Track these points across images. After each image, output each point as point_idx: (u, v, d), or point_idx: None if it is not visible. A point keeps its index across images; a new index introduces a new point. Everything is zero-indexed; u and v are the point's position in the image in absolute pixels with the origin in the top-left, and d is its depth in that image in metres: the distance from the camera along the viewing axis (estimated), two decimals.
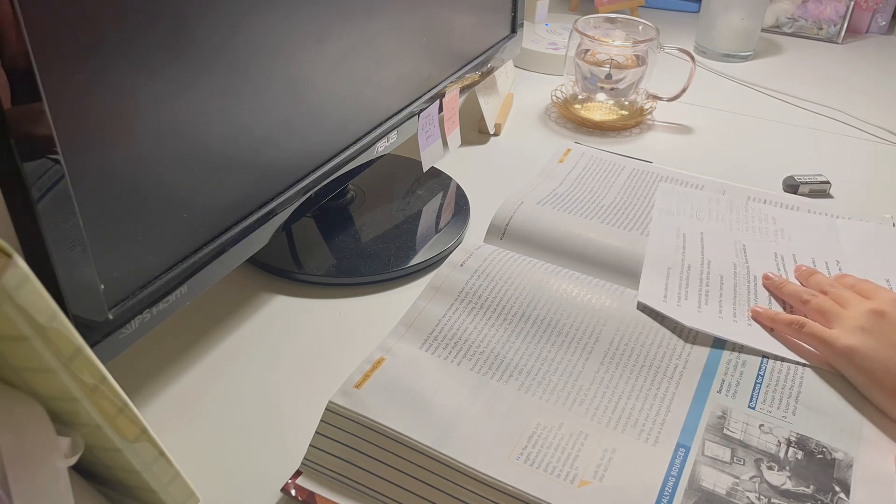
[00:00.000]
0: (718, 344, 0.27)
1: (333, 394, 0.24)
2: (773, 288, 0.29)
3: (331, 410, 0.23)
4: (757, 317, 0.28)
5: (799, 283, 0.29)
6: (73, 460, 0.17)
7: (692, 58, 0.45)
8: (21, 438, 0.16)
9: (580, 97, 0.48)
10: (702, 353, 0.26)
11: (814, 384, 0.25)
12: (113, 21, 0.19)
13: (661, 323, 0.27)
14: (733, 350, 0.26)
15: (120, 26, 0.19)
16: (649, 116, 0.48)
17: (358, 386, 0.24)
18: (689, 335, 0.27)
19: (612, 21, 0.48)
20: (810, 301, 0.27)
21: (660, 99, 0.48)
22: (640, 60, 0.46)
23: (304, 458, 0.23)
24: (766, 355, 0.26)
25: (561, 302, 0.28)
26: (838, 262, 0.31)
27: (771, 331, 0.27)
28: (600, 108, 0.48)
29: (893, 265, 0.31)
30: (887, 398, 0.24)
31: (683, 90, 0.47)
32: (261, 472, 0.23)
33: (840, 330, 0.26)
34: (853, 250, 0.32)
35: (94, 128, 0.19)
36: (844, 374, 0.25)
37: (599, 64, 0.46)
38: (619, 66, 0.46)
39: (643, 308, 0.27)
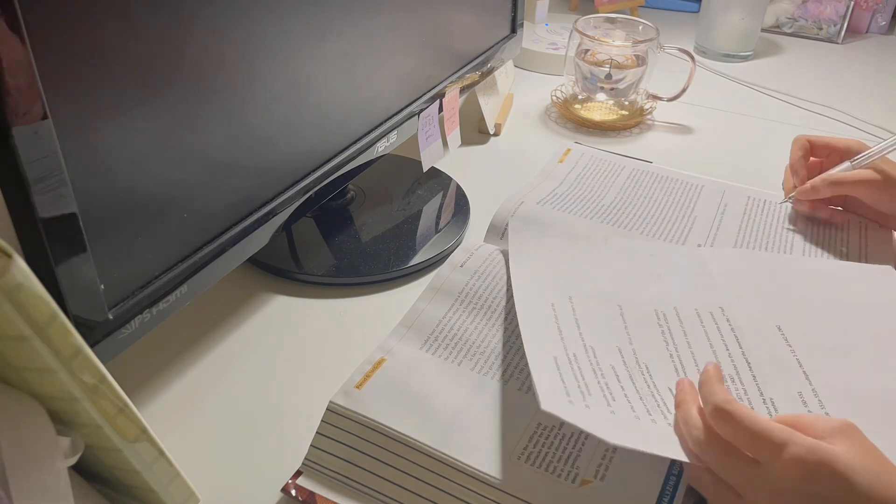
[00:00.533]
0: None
1: (334, 394, 0.24)
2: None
3: (331, 411, 0.23)
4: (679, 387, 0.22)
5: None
6: (73, 460, 0.17)
7: (692, 58, 0.45)
8: (21, 438, 0.16)
9: (580, 97, 0.48)
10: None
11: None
12: (113, 22, 0.19)
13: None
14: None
15: (120, 28, 0.19)
16: (649, 116, 0.48)
17: (359, 386, 0.24)
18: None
19: (612, 21, 0.48)
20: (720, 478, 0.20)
21: (660, 99, 0.48)
22: (640, 60, 0.46)
23: (305, 458, 0.23)
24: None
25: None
26: (722, 309, 0.26)
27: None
28: (600, 108, 0.48)
29: (775, 301, 0.26)
30: None
31: (683, 90, 0.47)
32: (261, 472, 0.23)
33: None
34: (730, 289, 0.27)
35: (94, 128, 0.19)
36: None
37: (599, 64, 0.46)
38: (620, 66, 0.46)
39: (552, 416, 0.21)
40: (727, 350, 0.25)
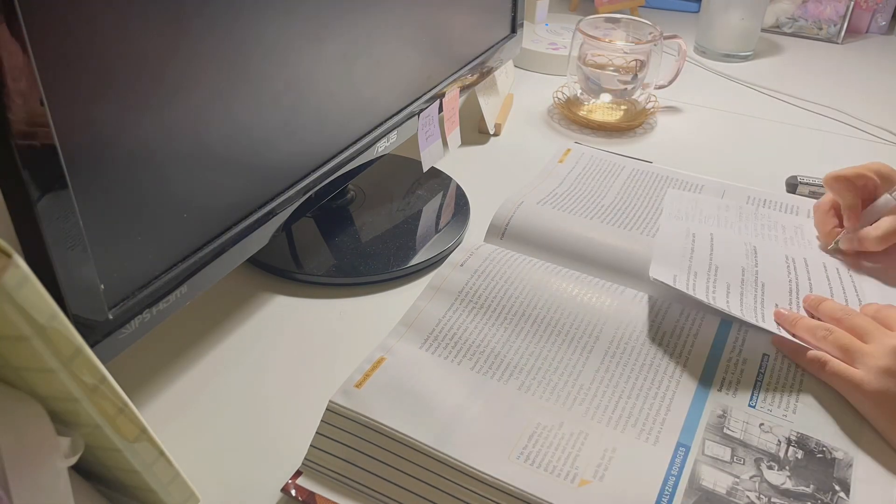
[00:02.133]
0: (719, 343, 0.27)
1: (334, 393, 0.24)
2: (787, 325, 0.27)
3: (331, 410, 0.23)
4: (779, 318, 0.27)
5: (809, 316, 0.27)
6: (73, 460, 0.17)
7: (681, 42, 0.46)
8: (21, 438, 0.16)
9: (581, 98, 0.48)
10: (702, 351, 0.26)
11: (815, 382, 0.25)
12: (113, 21, 0.19)
13: (661, 322, 0.27)
14: (733, 350, 0.26)
15: (120, 26, 0.19)
16: (652, 117, 0.48)
17: (358, 385, 0.24)
18: (690, 334, 0.27)
19: (613, 21, 0.48)
20: (827, 337, 0.25)
21: (659, 87, 0.48)
22: (641, 63, 0.46)
23: (305, 458, 0.23)
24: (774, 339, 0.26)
25: (561, 301, 0.28)
26: (848, 267, 0.30)
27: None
28: (602, 109, 0.48)
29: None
30: None
31: (676, 75, 0.47)
32: (261, 472, 0.23)
33: (864, 371, 0.24)
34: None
35: (93, 128, 0.19)
36: (867, 416, 0.23)
37: (602, 66, 0.46)
38: (622, 68, 0.46)
39: (656, 282, 0.27)
40: (843, 291, 0.28)
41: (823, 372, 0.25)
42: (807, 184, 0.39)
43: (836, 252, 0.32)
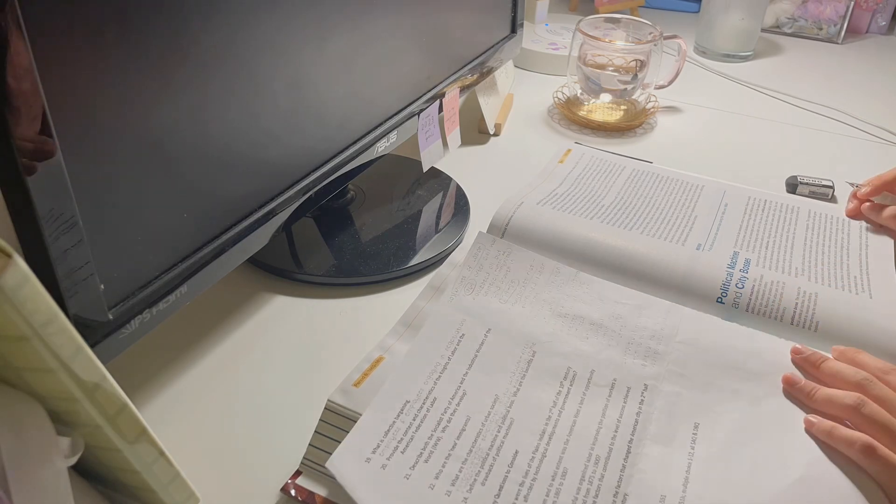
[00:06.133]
0: None
1: (332, 392, 0.24)
2: (807, 365, 0.23)
3: (330, 409, 0.23)
4: (811, 428, 0.22)
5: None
6: (73, 460, 0.17)
7: (682, 42, 0.46)
8: (21, 438, 0.16)
9: (581, 98, 0.48)
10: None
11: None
12: (114, 20, 0.19)
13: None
14: None
15: (121, 25, 0.19)
16: (652, 117, 0.48)
17: (357, 384, 0.24)
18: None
19: (613, 21, 0.48)
20: (861, 407, 0.21)
21: (659, 86, 0.48)
22: (641, 63, 0.46)
23: (304, 458, 0.23)
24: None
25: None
26: (645, 386, 0.23)
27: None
28: (602, 109, 0.47)
29: (708, 393, 0.23)
30: None
31: (676, 74, 0.47)
32: (260, 471, 0.23)
33: None
34: (675, 364, 0.24)
35: (94, 127, 0.19)
36: None
37: (602, 66, 0.46)
38: (622, 68, 0.46)
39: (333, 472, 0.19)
40: (615, 432, 0.22)
41: (870, 458, 0.20)
42: (807, 184, 0.39)
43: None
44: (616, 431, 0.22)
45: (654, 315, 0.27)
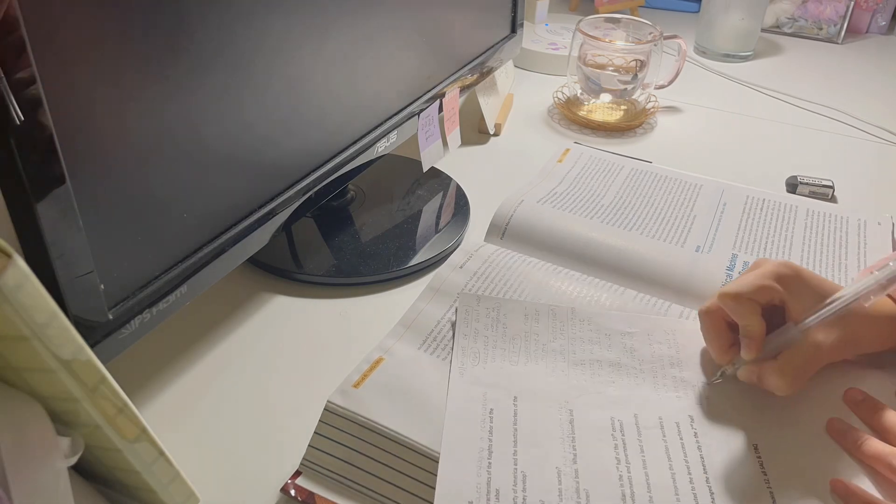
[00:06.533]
0: None
1: (331, 393, 0.24)
2: (846, 444, 0.21)
3: (329, 410, 0.23)
4: (842, 492, 0.20)
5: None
6: (73, 460, 0.17)
7: (682, 42, 0.46)
8: (21, 438, 0.16)
9: (581, 98, 0.48)
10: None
11: None
12: (113, 21, 0.19)
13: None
14: None
15: (120, 26, 0.19)
16: (652, 117, 0.48)
17: (356, 385, 0.24)
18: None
19: (613, 21, 0.48)
20: None
21: (659, 87, 0.48)
22: (641, 64, 0.46)
23: (303, 459, 0.23)
24: None
25: (560, 303, 0.28)
26: (692, 418, 0.23)
27: None
28: (602, 109, 0.47)
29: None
30: None
31: (676, 74, 0.47)
32: (260, 472, 0.23)
33: None
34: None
35: (94, 127, 0.19)
36: None
37: (602, 67, 0.46)
38: (622, 68, 0.46)
39: None
40: (689, 473, 0.21)
41: None
42: (807, 184, 0.39)
43: (720, 382, 0.24)
44: (690, 473, 0.21)
45: (663, 338, 0.26)
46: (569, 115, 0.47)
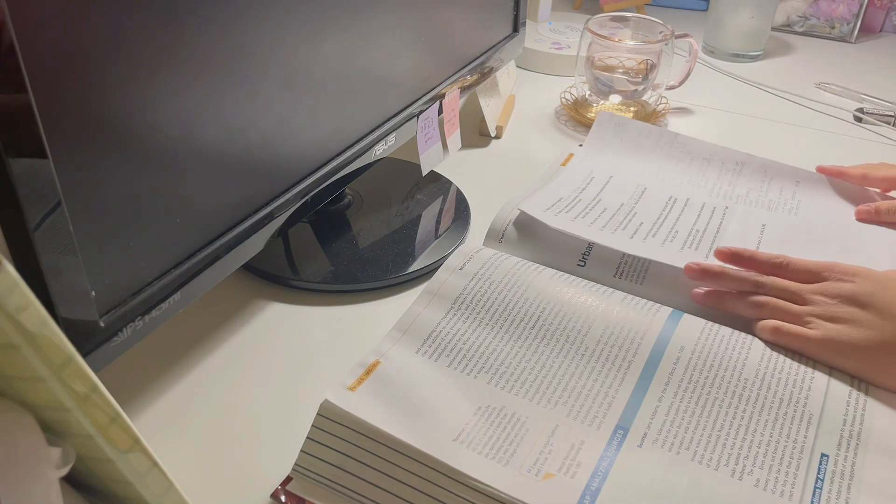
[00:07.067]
0: None
1: (326, 395, 0.23)
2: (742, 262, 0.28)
3: (322, 415, 0.23)
4: (691, 273, 0.29)
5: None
6: (65, 471, 0.17)
7: (693, 41, 0.45)
8: (11, 449, 0.16)
9: (590, 99, 0.47)
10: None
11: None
12: (105, 21, 0.19)
13: (672, 321, 0.27)
14: None
15: (112, 26, 0.19)
16: (662, 119, 0.47)
17: (352, 389, 0.24)
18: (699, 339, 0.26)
19: (621, 20, 0.48)
20: (766, 305, 0.27)
21: (672, 87, 0.47)
22: (651, 64, 0.45)
23: (295, 464, 0.23)
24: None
25: (561, 306, 0.28)
26: (727, 207, 0.34)
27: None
28: (612, 111, 0.47)
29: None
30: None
31: (687, 74, 0.47)
32: (252, 479, 0.23)
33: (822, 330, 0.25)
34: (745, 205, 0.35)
35: (84, 130, 0.19)
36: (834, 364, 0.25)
37: (611, 69, 0.45)
38: (632, 69, 0.45)
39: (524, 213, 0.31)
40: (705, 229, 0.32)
41: (777, 335, 0.26)
42: (872, 113, 0.40)
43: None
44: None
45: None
46: (577, 117, 0.47)
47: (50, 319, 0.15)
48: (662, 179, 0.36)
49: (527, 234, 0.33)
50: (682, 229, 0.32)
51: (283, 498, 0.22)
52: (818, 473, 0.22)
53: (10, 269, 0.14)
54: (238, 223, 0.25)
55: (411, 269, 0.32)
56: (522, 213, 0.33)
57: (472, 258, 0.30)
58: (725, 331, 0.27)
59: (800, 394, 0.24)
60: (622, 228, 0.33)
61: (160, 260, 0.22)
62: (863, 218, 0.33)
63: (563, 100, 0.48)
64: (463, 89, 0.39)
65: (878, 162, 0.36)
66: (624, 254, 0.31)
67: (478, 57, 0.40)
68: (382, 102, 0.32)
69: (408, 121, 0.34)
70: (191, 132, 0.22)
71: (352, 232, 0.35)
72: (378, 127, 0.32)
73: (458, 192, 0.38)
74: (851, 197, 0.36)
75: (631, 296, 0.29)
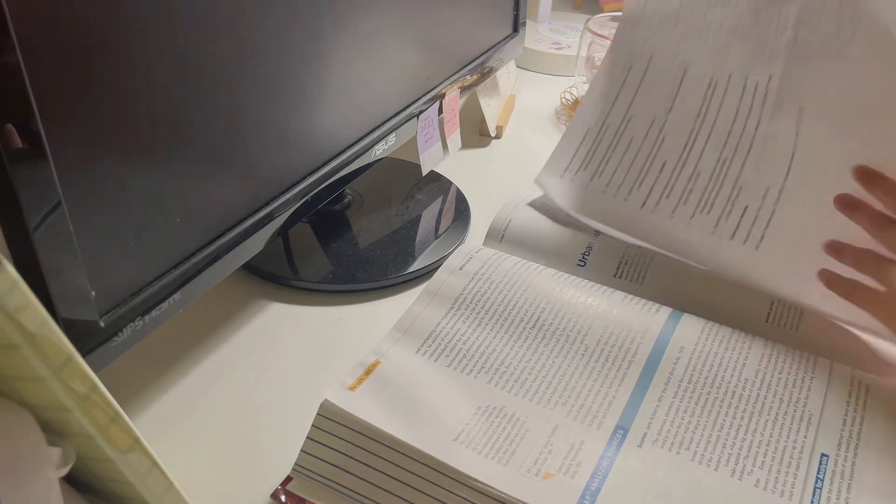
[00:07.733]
0: None
1: (326, 395, 0.23)
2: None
3: (322, 415, 0.23)
4: (831, 285, 0.25)
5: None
6: (65, 471, 0.17)
7: None
8: (11, 449, 0.16)
9: None
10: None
11: None
12: (104, 22, 0.19)
13: (673, 327, 0.27)
14: None
15: (110, 27, 0.19)
16: None
17: (352, 388, 0.24)
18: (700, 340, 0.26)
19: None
20: None
21: None
22: None
23: (296, 464, 0.23)
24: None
25: (561, 306, 0.28)
26: (770, 77, 0.29)
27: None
28: None
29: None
30: None
31: None
32: (252, 479, 0.23)
33: None
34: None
35: (84, 130, 0.19)
36: None
37: None
38: None
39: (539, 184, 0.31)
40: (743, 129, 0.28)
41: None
42: None
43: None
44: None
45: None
46: None
47: (50, 319, 0.15)
48: (707, 41, 0.30)
49: (527, 234, 0.33)
50: (704, 170, 0.29)
51: (283, 498, 0.22)
52: (818, 473, 0.22)
53: (10, 269, 0.14)
54: (238, 223, 0.25)
55: (411, 269, 0.32)
56: (527, 204, 0.33)
57: (471, 258, 0.30)
58: (725, 331, 0.27)
59: (800, 394, 0.24)
60: (637, 187, 0.30)
61: (160, 260, 0.22)
62: (831, 246, 0.26)
63: (563, 100, 0.48)
64: (463, 89, 0.39)
65: None
66: (624, 253, 0.31)
67: (478, 57, 0.40)
68: (382, 102, 0.32)
69: (408, 121, 0.34)
70: (190, 132, 0.22)
71: (352, 232, 0.35)
72: (378, 127, 0.32)
73: (458, 192, 0.38)
74: None
75: (631, 296, 0.29)
